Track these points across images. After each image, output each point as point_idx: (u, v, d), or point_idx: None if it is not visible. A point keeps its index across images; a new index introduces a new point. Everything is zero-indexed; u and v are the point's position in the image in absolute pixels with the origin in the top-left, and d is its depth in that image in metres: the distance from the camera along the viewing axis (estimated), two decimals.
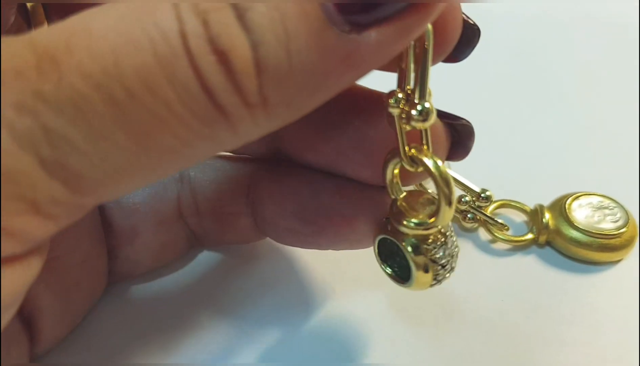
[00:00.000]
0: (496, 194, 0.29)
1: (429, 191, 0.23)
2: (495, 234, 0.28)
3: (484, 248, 0.28)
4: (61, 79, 0.13)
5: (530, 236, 0.28)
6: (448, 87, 0.39)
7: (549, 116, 0.37)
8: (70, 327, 0.24)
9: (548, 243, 0.28)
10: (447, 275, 0.20)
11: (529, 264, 0.28)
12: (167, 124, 0.13)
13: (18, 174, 0.13)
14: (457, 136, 0.20)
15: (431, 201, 0.19)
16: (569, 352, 0.24)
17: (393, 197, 0.19)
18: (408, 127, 0.17)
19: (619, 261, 0.27)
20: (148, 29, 0.13)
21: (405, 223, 0.19)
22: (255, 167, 0.24)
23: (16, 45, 0.13)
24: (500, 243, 0.28)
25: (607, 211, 0.28)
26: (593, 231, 0.27)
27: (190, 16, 0.13)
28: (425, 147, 0.18)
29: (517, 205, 0.30)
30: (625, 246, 0.27)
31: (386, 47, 0.15)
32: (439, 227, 0.19)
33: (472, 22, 0.19)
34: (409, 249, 0.19)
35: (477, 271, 0.27)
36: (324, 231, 0.22)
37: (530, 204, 0.29)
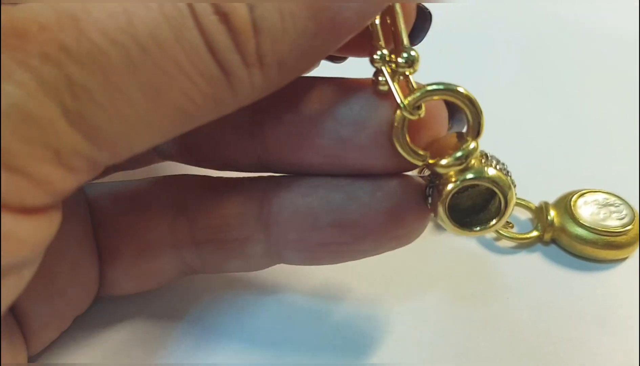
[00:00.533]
0: None
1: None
2: (500, 231, 0.28)
3: (489, 245, 0.28)
4: (81, 34, 0.13)
5: (535, 233, 0.28)
6: (454, 76, 0.39)
7: (555, 113, 0.37)
8: (58, 331, 0.23)
9: (553, 241, 0.28)
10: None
11: (534, 262, 0.27)
12: (176, 81, 0.15)
13: (44, 121, 0.13)
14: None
15: (452, 136, 0.19)
16: (575, 350, 0.24)
17: (420, 161, 0.19)
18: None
19: (624, 259, 0.27)
20: None
21: (451, 161, 0.18)
22: (264, 183, 0.22)
23: (37, 5, 0.14)
24: (504, 241, 0.28)
25: (612, 208, 0.27)
26: (599, 229, 0.26)
27: None
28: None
29: (522, 202, 0.29)
30: (631, 243, 0.26)
31: (365, 11, 0.16)
32: (478, 143, 0.18)
33: (424, 9, 0.21)
34: (488, 173, 0.18)
35: (482, 269, 0.27)
36: (369, 233, 0.20)
37: (535, 202, 0.29)
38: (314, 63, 0.17)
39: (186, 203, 0.22)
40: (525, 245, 0.28)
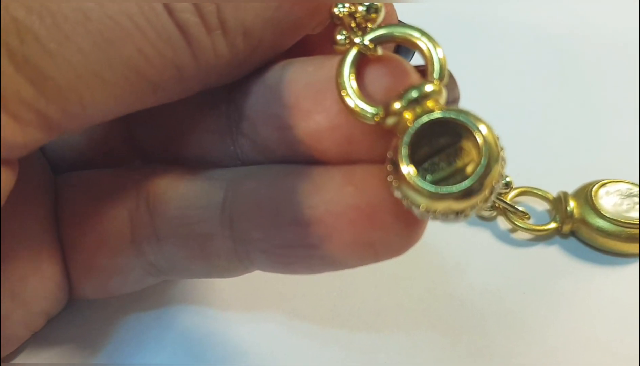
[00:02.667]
0: (516, 181, 0.28)
1: None
2: (516, 223, 0.27)
3: (504, 237, 0.27)
4: None
5: (553, 225, 0.26)
6: (470, 74, 0.38)
7: (573, 98, 0.35)
8: (28, 329, 0.22)
9: (572, 233, 0.27)
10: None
11: (552, 255, 0.26)
12: (130, 35, 0.14)
13: None
14: None
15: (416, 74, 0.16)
16: (594, 349, 0.22)
17: (373, 114, 0.15)
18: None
19: None
20: None
21: (404, 102, 0.15)
22: (230, 173, 0.19)
23: None
24: (520, 233, 0.27)
25: (636, 199, 0.26)
26: (621, 220, 0.25)
27: None
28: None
29: (539, 193, 0.28)
30: None
31: None
32: (440, 87, 0.15)
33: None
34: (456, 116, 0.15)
35: (497, 262, 0.26)
36: (335, 234, 0.17)
37: (553, 192, 0.28)
38: (286, 38, 0.17)
39: (148, 193, 0.20)
40: (542, 237, 0.27)
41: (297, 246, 0.18)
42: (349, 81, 0.16)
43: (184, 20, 0.15)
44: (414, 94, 0.15)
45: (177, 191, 0.20)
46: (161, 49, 0.15)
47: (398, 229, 0.16)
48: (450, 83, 0.17)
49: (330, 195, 0.17)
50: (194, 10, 0.15)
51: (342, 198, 0.16)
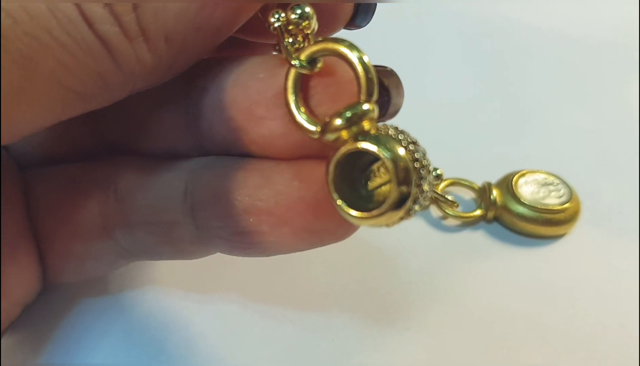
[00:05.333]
0: (446, 173, 0.30)
1: None
2: (446, 211, 0.29)
3: (436, 224, 0.29)
4: None
5: (478, 212, 0.29)
6: (398, 63, 0.39)
7: (497, 97, 0.38)
8: (8, 320, 0.22)
9: (496, 219, 0.29)
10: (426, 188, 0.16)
11: (478, 239, 0.28)
12: (50, 49, 0.14)
13: None
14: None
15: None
16: (519, 322, 0.24)
17: (315, 130, 0.17)
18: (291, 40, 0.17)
19: (563, 235, 0.28)
20: None
21: (339, 122, 0.16)
22: (191, 164, 0.20)
23: None
24: (450, 220, 0.29)
25: (551, 187, 0.28)
26: (538, 207, 0.27)
27: None
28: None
29: (466, 183, 0.30)
30: (569, 220, 0.28)
31: None
32: (374, 107, 0.16)
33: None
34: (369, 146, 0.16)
35: (430, 247, 0.28)
36: (285, 223, 0.18)
37: (479, 182, 0.30)
38: (210, 40, 0.17)
39: (117, 184, 0.21)
40: (469, 223, 0.29)
41: (250, 233, 0.19)
42: (293, 98, 0.17)
43: (104, 32, 0.15)
44: (349, 114, 0.16)
45: (143, 182, 0.21)
46: (83, 61, 0.15)
47: (339, 219, 0.18)
48: (395, 91, 0.19)
49: (279, 188, 0.18)
50: (113, 20, 0.15)
51: (290, 192, 0.18)
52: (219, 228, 0.20)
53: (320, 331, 0.24)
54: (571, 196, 0.28)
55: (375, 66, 0.17)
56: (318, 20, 0.17)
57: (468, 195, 0.31)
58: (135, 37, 0.15)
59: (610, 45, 0.43)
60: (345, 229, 0.19)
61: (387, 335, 0.24)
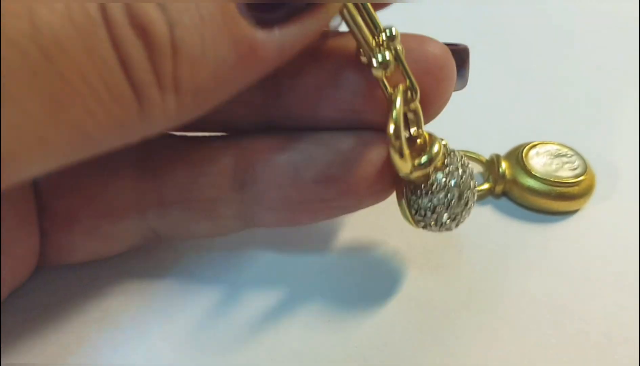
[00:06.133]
0: (452, 145, 0.28)
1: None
2: None
3: None
4: None
5: (486, 186, 0.27)
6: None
7: (504, 65, 0.36)
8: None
9: (504, 193, 0.27)
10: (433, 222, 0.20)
11: (486, 214, 0.27)
12: (80, 96, 0.13)
13: None
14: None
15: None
16: (528, 301, 0.23)
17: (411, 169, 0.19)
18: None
19: (576, 210, 0.27)
20: None
21: (419, 172, 0.20)
22: (240, 140, 0.21)
23: None
24: None
25: (565, 159, 0.27)
26: (551, 180, 0.26)
27: None
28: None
29: (473, 156, 0.29)
30: (583, 194, 0.26)
31: (288, 45, 0.16)
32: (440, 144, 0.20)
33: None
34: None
35: None
36: (353, 188, 0.20)
37: (486, 155, 0.28)
38: (232, 93, 0.16)
39: (152, 162, 0.21)
40: (476, 198, 0.27)
41: (314, 201, 0.20)
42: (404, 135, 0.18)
43: (140, 79, 0.14)
44: (425, 159, 0.19)
45: (185, 159, 0.21)
46: (110, 108, 0.14)
47: (390, 185, 0.20)
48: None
49: (347, 155, 0.20)
50: (150, 68, 0.14)
51: (358, 157, 0.20)
52: (277, 199, 0.20)
53: (318, 314, 0.22)
54: (586, 168, 0.26)
55: (450, 45, 0.20)
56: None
57: (475, 168, 0.29)
58: (169, 88, 0.14)
59: (624, 13, 0.41)
60: (388, 193, 0.21)
61: (388, 313, 0.22)
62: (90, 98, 0.13)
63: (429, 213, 0.20)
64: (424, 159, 0.19)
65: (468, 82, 0.34)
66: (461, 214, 0.21)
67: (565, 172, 0.26)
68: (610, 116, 0.32)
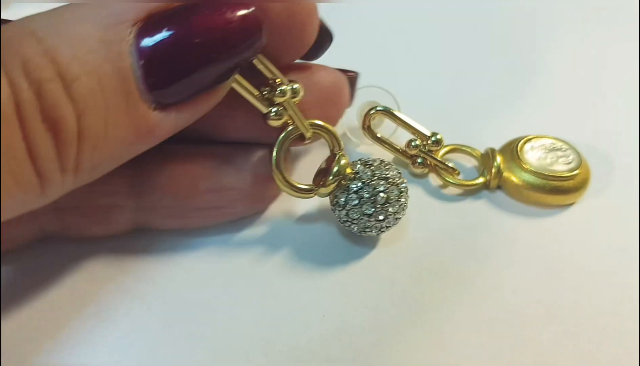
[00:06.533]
0: (446, 139, 0.28)
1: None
2: (446, 178, 0.27)
3: (435, 193, 0.27)
4: None
5: (481, 180, 0.27)
6: (400, 30, 0.38)
7: (499, 59, 0.36)
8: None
9: (499, 187, 0.27)
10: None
11: (480, 208, 0.27)
12: None
13: None
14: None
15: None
16: (522, 296, 0.23)
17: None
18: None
19: (571, 204, 0.27)
20: None
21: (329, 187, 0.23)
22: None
23: None
24: (451, 188, 0.27)
25: (559, 153, 0.27)
26: (545, 173, 0.26)
27: (23, 84, 0.14)
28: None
29: (468, 150, 0.29)
30: (578, 188, 0.26)
31: (181, 123, 0.18)
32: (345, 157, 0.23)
33: (326, 27, 0.23)
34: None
35: (429, 217, 0.26)
36: (244, 196, 0.23)
37: (481, 149, 0.28)
38: (121, 162, 0.18)
39: None
40: (471, 192, 0.27)
41: (208, 209, 0.23)
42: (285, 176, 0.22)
43: (45, 167, 0.15)
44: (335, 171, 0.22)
45: None
46: (15, 194, 0.15)
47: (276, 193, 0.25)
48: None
49: (240, 166, 0.23)
50: (56, 157, 0.15)
51: (249, 168, 0.23)
52: (172, 207, 0.22)
53: (313, 305, 0.22)
54: (580, 162, 0.26)
55: (345, 71, 0.24)
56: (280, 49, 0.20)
57: (470, 162, 0.29)
58: (69, 170, 0.16)
59: (618, 5, 0.41)
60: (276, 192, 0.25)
61: (382, 309, 0.22)
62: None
63: (345, 220, 0.23)
64: (307, 187, 0.23)
65: (462, 76, 0.34)
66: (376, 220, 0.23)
67: (560, 166, 0.26)
68: (605, 110, 0.32)
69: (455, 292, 0.23)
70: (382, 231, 0.23)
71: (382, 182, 0.22)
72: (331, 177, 0.22)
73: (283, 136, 0.22)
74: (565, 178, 0.26)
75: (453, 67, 0.35)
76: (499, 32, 0.39)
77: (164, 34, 0.16)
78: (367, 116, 0.27)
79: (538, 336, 0.22)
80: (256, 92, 0.21)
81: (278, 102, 0.21)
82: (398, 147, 0.27)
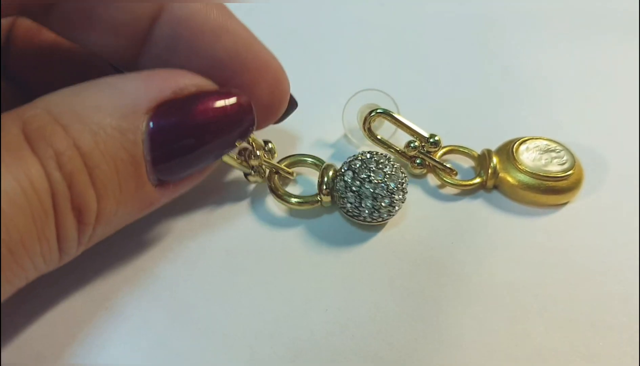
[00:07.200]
0: (444, 140, 0.29)
1: None
2: (444, 179, 0.28)
3: (433, 193, 0.28)
4: None
5: (478, 180, 0.28)
6: (400, 34, 0.38)
7: (495, 63, 0.37)
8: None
9: (495, 187, 0.28)
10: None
11: (477, 208, 0.27)
12: (21, 266, 0.16)
13: None
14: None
15: None
16: (519, 294, 0.24)
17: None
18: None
19: (565, 203, 0.27)
20: (21, 183, 0.15)
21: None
22: None
23: None
24: (448, 188, 0.28)
25: (553, 154, 0.27)
26: (540, 174, 0.26)
27: (58, 176, 0.16)
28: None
29: (465, 150, 0.29)
30: (571, 188, 0.27)
31: (176, 194, 0.20)
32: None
33: (293, 98, 0.25)
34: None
35: (427, 216, 0.27)
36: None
37: (478, 150, 0.29)
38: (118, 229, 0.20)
39: None
40: (468, 192, 0.28)
41: None
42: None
43: (68, 247, 0.17)
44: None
45: None
46: (40, 269, 0.17)
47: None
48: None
49: None
50: (77, 237, 0.17)
51: None
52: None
53: (315, 300, 0.23)
54: (574, 163, 0.27)
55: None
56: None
57: (467, 163, 0.30)
58: (84, 244, 0.18)
59: (610, 8, 0.42)
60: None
61: (382, 304, 0.23)
62: (29, 265, 0.16)
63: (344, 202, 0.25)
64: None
65: (460, 79, 0.35)
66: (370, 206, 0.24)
67: (554, 167, 0.27)
68: (599, 111, 0.33)
69: (452, 288, 0.24)
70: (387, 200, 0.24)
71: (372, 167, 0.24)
72: (325, 187, 0.25)
73: (274, 185, 0.26)
74: (559, 178, 0.26)
75: (451, 71, 0.36)
76: (495, 36, 0.39)
77: (171, 121, 0.18)
78: (367, 118, 0.27)
79: (533, 331, 0.22)
80: (236, 161, 0.24)
81: (254, 165, 0.25)
82: (397, 149, 0.28)
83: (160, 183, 0.19)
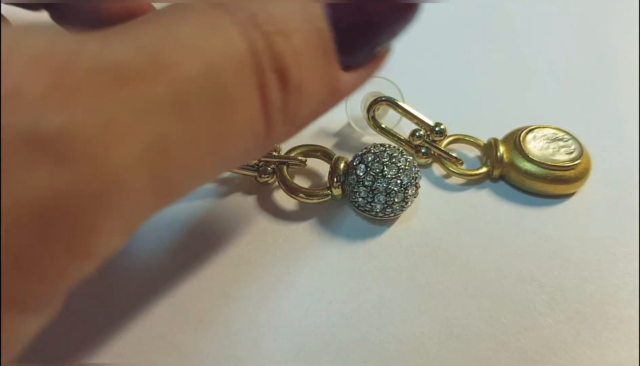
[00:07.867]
0: (450, 129, 0.28)
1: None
2: (450, 168, 0.27)
3: (438, 183, 0.28)
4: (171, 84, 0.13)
5: (484, 169, 0.27)
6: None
7: (502, 50, 0.36)
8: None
9: (502, 177, 0.28)
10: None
11: (483, 198, 0.27)
12: (234, 135, 0.15)
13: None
14: None
15: None
16: (526, 285, 0.23)
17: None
18: None
19: (572, 193, 0.27)
20: (230, 41, 0.14)
21: None
22: None
23: (121, 46, 0.13)
24: (454, 178, 0.28)
25: (561, 143, 0.27)
26: (547, 163, 0.26)
27: (257, 35, 0.15)
28: None
29: (471, 139, 0.29)
30: (579, 178, 0.26)
31: (358, 83, 0.18)
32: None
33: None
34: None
35: (432, 206, 0.26)
36: None
37: (484, 139, 0.29)
38: (309, 123, 0.18)
39: None
40: (474, 182, 0.28)
41: None
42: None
43: (274, 118, 0.16)
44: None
45: None
46: (249, 143, 0.15)
47: None
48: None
49: None
50: (282, 107, 0.16)
51: None
52: None
53: (315, 292, 0.23)
54: (582, 152, 0.27)
55: None
56: None
57: (473, 152, 0.29)
58: (289, 122, 0.16)
59: None
60: None
61: (388, 296, 0.23)
62: (239, 137, 0.15)
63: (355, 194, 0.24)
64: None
65: (465, 67, 0.35)
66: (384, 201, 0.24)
67: (562, 156, 0.26)
68: (607, 100, 0.32)
69: (459, 279, 0.23)
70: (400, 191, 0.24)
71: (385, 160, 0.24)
72: (335, 180, 0.24)
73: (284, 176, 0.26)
74: (566, 168, 0.26)
75: (456, 58, 0.36)
76: (502, 23, 0.39)
77: (347, 7, 0.17)
78: (371, 106, 0.27)
79: (541, 321, 0.22)
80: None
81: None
82: (402, 138, 0.28)
83: (345, 68, 0.18)
